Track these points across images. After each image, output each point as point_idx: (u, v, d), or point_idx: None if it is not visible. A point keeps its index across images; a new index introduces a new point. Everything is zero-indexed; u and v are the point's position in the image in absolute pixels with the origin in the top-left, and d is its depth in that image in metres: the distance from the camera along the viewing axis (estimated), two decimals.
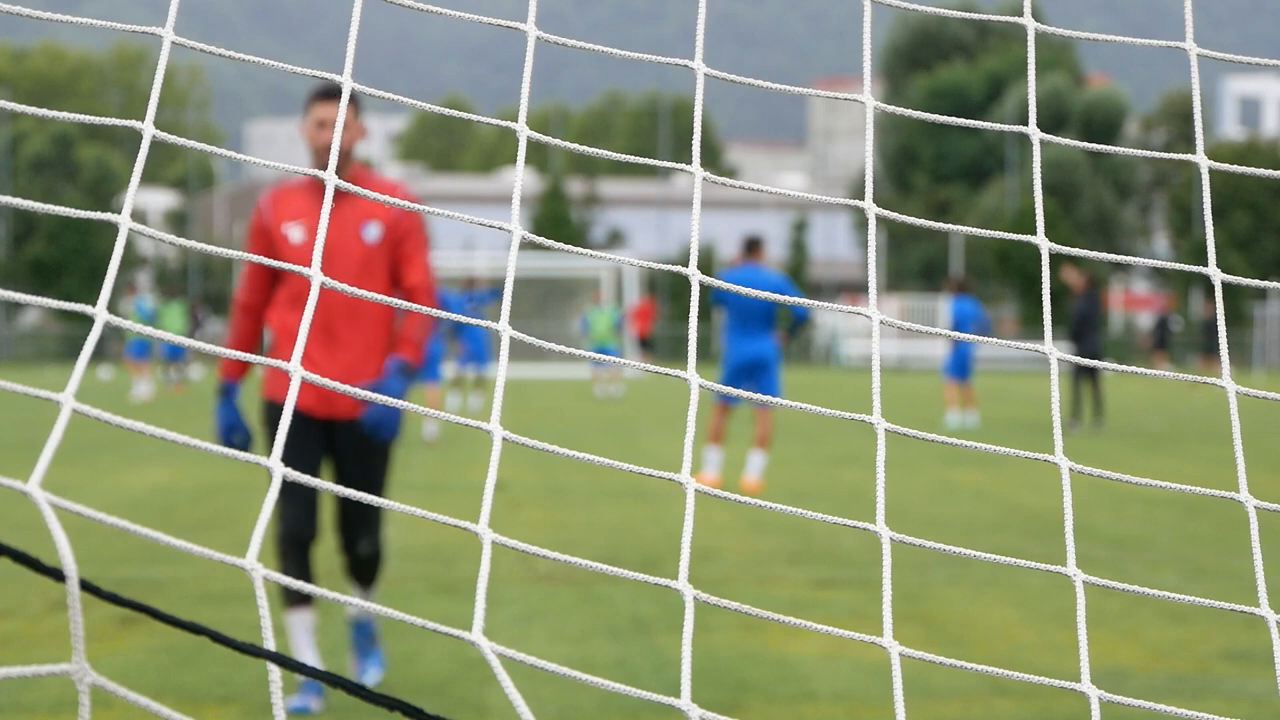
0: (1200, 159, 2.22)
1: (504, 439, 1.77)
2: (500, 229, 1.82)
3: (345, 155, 6.90)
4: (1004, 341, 1.98)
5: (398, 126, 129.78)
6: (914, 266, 79.80)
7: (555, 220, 70.82)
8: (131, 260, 70.85)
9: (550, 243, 1.89)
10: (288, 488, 6.85)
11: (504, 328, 1.83)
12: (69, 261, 67.22)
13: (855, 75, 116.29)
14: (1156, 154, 2.13)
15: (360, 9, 1.93)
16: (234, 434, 6.98)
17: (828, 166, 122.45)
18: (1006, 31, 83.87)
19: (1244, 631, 8.73)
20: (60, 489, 14.62)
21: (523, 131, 1.94)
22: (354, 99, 6.60)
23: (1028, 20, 2.24)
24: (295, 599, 6.91)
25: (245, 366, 7.13)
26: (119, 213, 2.12)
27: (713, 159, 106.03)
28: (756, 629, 8.62)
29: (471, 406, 29.01)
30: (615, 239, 79.42)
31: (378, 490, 7.02)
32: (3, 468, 16.91)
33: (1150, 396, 39.92)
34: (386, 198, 1.85)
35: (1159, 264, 2.06)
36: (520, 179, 1.98)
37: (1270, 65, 2.32)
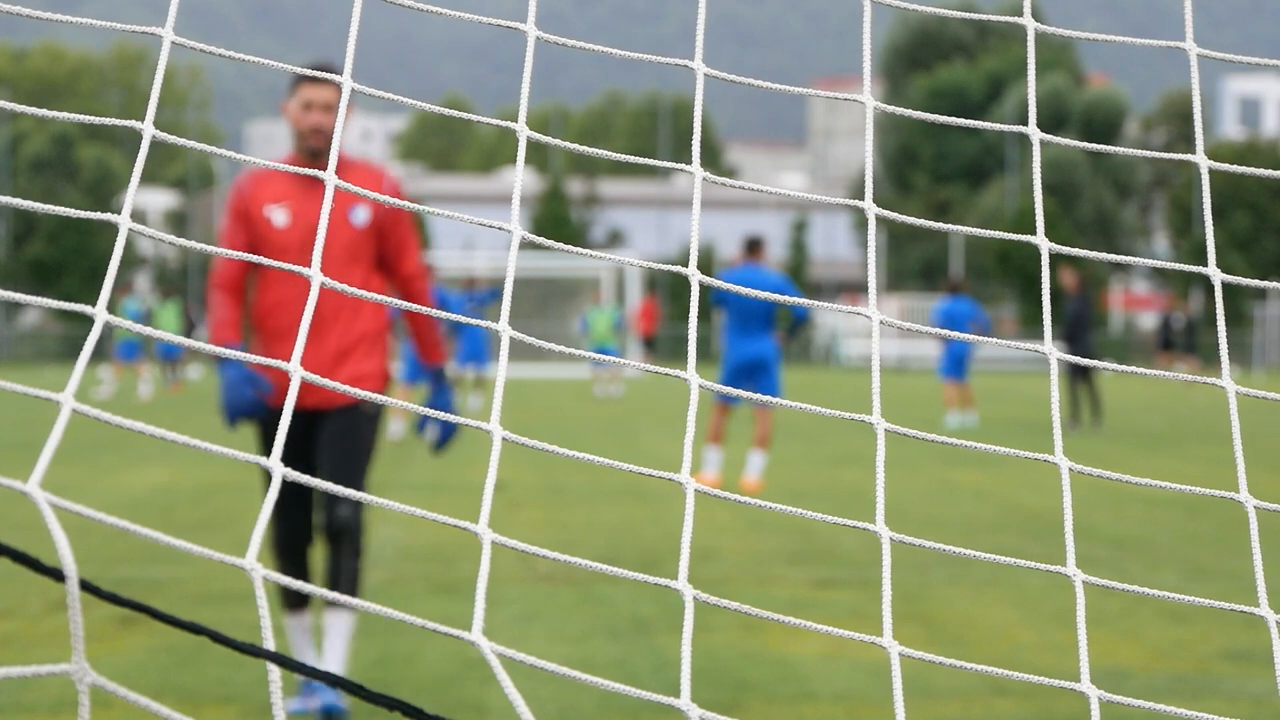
0: (1200, 159, 2.22)
1: (504, 439, 1.77)
2: (500, 229, 1.82)
3: (329, 139, 6.66)
4: (1003, 341, 1.98)
5: (398, 126, 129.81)
6: (914, 266, 79.80)
7: (555, 220, 70.82)
8: (131, 260, 70.84)
9: (550, 243, 1.89)
10: (282, 493, 6.71)
11: (504, 328, 1.83)
12: (69, 261, 67.22)
13: (855, 75, 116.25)
14: (1156, 154, 2.13)
15: (360, 9, 1.93)
16: (254, 385, 6.54)
17: (828, 166, 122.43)
18: (1006, 31, 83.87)
19: (1244, 631, 8.73)
20: (60, 489, 14.62)
21: (523, 131, 1.94)
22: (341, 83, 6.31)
23: (1028, 20, 2.24)
24: (293, 601, 6.82)
25: (240, 333, 6.82)
26: (119, 213, 2.13)
27: (713, 159, 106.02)
28: (756, 629, 8.62)
29: (471, 406, 29.00)
30: (615, 239, 79.41)
31: (362, 461, 6.73)
32: (3, 468, 16.90)
33: (1150, 396, 39.91)
34: (387, 197, 1.85)
35: (1159, 264, 2.06)
36: (520, 179, 1.98)
37: (1270, 65, 2.32)
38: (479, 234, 74.58)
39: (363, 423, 6.75)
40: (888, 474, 15.42)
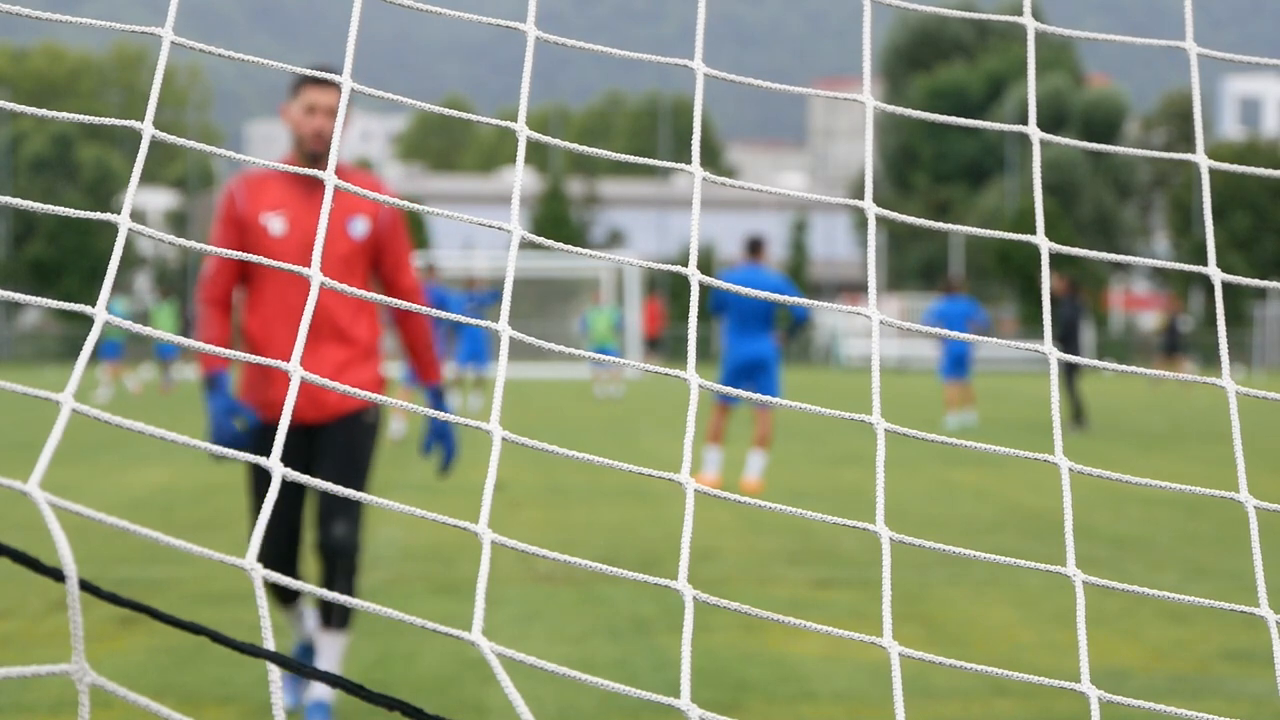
0: (1200, 159, 2.22)
1: (504, 439, 1.76)
2: (500, 229, 1.82)
3: (330, 144, 6.64)
4: (1002, 341, 1.98)
5: (398, 126, 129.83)
6: (914, 266, 79.80)
7: (555, 220, 70.83)
8: (131, 260, 70.87)
9: (550, 243, 1.88)
10: (264, 504, 6.56)
11: (504, 328, 1.83)
12: (69, 261, 67.23)
13: (855, 75, 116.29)
14: (1156, 154, 2.13)
15: (360, 9, 1.93)
16: (236, 416, 6.45)
17: (828, 166, 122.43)
18: (1006, 31, 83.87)
19: (1244, 631, 8.73)
20: (60, 489, 14.62)
21: (523, 131, 1.94)
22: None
23: (1028, 20, 2.24)
24: (284, 598, 6.74)
25: (228, 358, 6.76)
26: (119, 213, 2.13)
27: (713, 159, 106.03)
28: (756, 629, 8.62)
29: (471, 406, 29.00)
30: (615, 239, 79.43)
31: (360, 480, 6.56)
32: (3, 468, 16.91)
33: (1151, 396, 39.91)
34: (386, 197, 1.85)
35: (1159, 264, 2.06)
36: (520, 179, 1.98)
37: (1270, 65, 2.32)
38: (479, 234, 74.58)
39: (360, 439, 6.56)
40: (888, 474, 15.44)
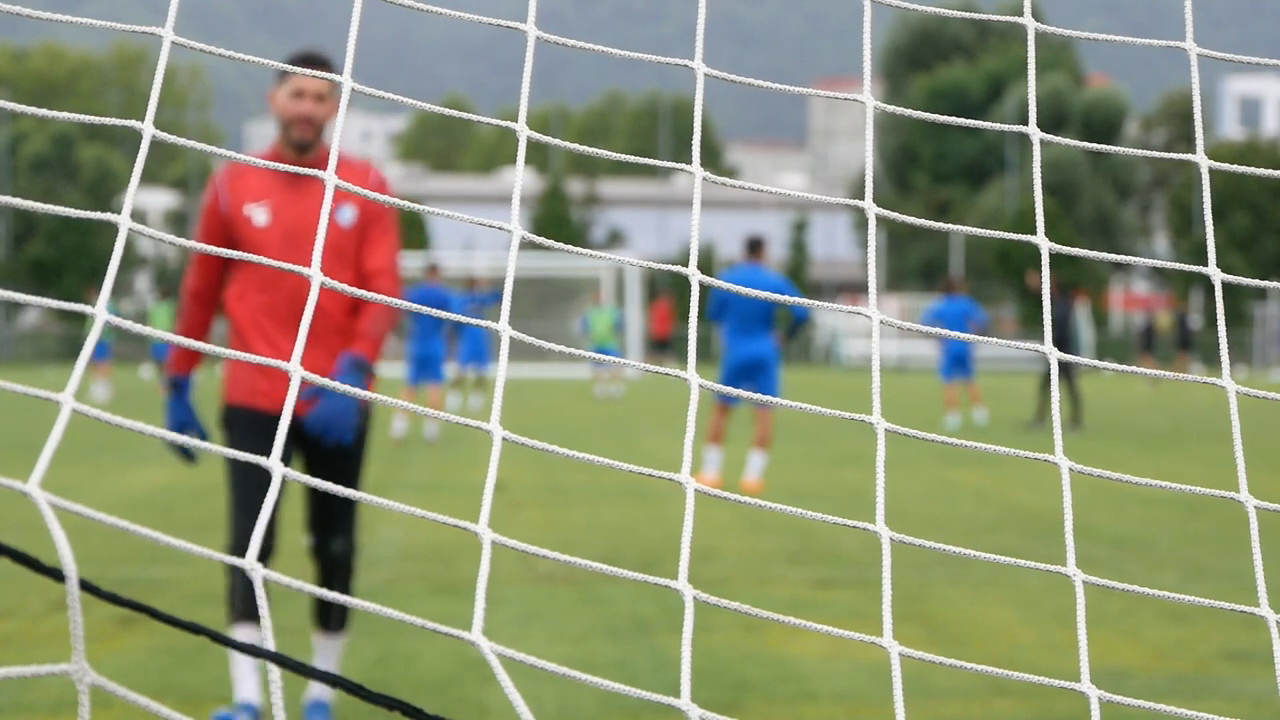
0: (1200, 159, 2.22)
1: (504, 439, 1.77)
2: (500, 229, 1.82)
3: (318, 131, 6.28)
4: (1001, 341, 1.98)
5: (398, 126, 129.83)
6: (914, 266, 79.81)
7: (555, 220, 70.85)
8: (131, 260, 70.90)
9: (550, 243, 1.89)
10: (245, 499, 6.23)
11: (504, 328, 1.83)
12: (69, 261, 67.25)
13: (855, 75, 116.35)
14: (1156, 154, 2.13)
15: (360, 9, 1.93)
16: (187, 431, 6.28)
17: (828, 166, 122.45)
18: (1006, 31, 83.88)
19: (1244, 631, 8.73)
20: (60, 489, 14.62)
21: (523, 131, 1.94)
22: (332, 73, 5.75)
23: (1028, 20, 2.24)
24: (241, 614, 6.30)
25: (196, 359, 6.42)
26: (119, 213, 2.13)
27: (713, 159, 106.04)
28: (756, 629, 8.62)
29: (472, 406, 29.01)
30: (615, 239, 79.44)
31: (351, 486, 6.35)
32: (3, 468, 16.91)
33: (1151, 396, 39.92)
34: (385, 196, 1.85)
35: (1159, 264, 2.06)
36: (520, 179, 1.98)
37: (1270, 65, 2.32)
38: (479, 234, 74.60)
39: (350, 455, 6.36)
40: (888, 474, 15.44)
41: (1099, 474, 2.01)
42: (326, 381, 1.70)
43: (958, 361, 27.19)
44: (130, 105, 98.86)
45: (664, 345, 51.06)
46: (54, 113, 1.69)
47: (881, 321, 2.00)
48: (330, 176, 1.83)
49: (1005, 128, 2.09)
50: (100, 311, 1.58)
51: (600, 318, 37.95)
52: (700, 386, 1.87)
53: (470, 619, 8.21)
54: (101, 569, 10.31)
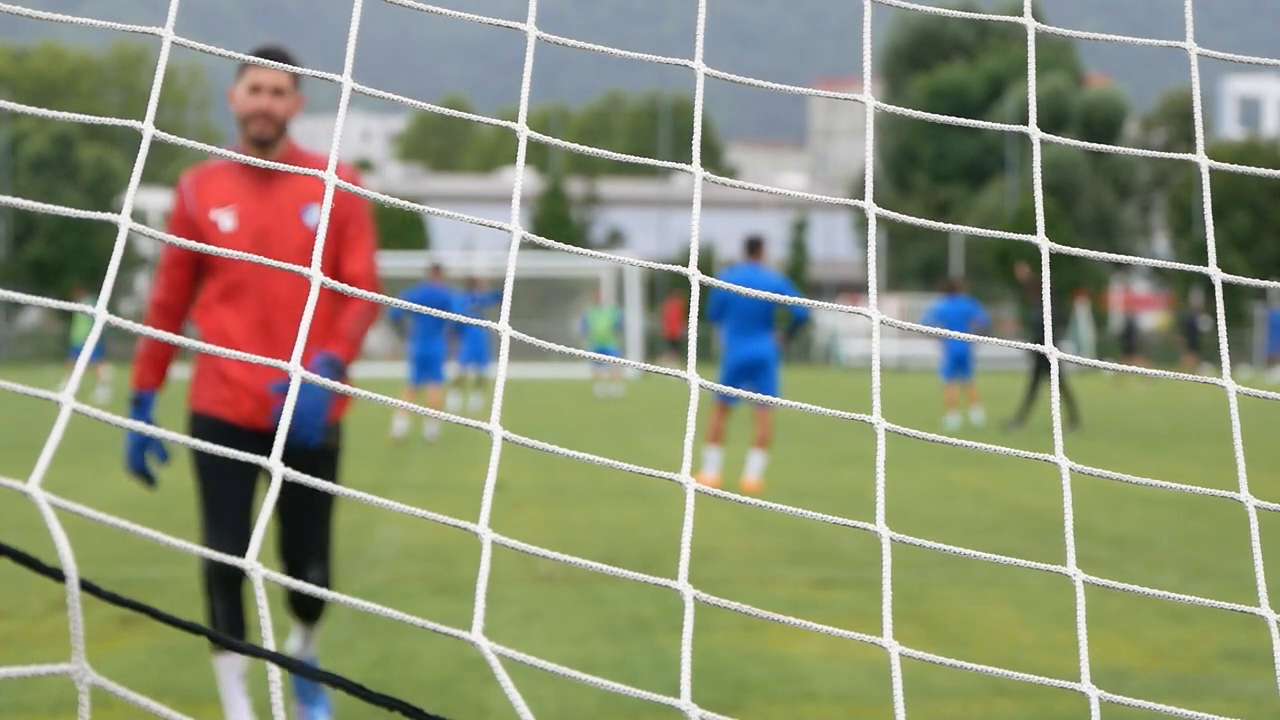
0: (1200, 159, 2.22)
1: (504, 439, 1.76)
2: (500, 229, 1.82)
3: (279, 128, 6.01)
4: (1002, 341, 1.98)
5: (398, 126, 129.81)
6: (914, 266, 79.81)
7: (555, 220, 70.85)
8: (132, 260, 70.90)
9: (550, 243, 1.88)
10: (216, 514, 6.02)
11: (504, 328, 1.83)
12: (69, 261, 67.23)
13: (855, 75, 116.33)
14: (1156, 154, 2.13)
15: (360, 9, 1.93)
16: (147, 452, 6.05)
17: (828, 166, 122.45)
18: (1006, 31, 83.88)
19: (1244, 631, 8.73)
20: (60, 489, 14.62)
21: (523, 131, 1.94)
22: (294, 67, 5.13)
23: (1028, 20, 2.24)
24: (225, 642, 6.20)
25: (162, 375, 6.10)
26: (119, 213, 2.13)
27: (713, 159, 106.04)
28: (756, 629, 8.62)
29: (472, 406, 29.01)
30: (615, 239, 79.45)
31: (325, 508, 6.13)
32: (3, 468, 16.91)
33: (1151, 396, 39.93)
34: (386, 197, 1.84)
35: (1159, 264, 2.06)
36: (520, 179, 1.98)
37: (1270, 65, 2.32)
38: (479, 234, 74.61)
39: (322, 462, 6.09)
40: (888, 474, 15.44)
41: (1099, 474, 2.01)
42: (323, 382, 1.70)
43: (958, 362, 27.21)
44: (130, 105, 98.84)
45: (677, 345, 51.18)
46: (54, 113, 1.69)
47: (881, 321, 2.00)
48: (330, 176, 1.83)
49: (1005, 128, 2.09)
50: (100, 311, 1.58)
51: (600, 318, 37.95)
52: (700, 386, 1.87)
53: (470, 619, 8.21)
54: (101, 569, 10.31)
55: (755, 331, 16.09)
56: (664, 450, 20.82)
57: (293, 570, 6.16)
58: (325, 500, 6.13)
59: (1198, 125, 2.22)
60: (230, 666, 6.09)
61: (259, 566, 1.55)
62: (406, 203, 1.83)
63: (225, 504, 6.04)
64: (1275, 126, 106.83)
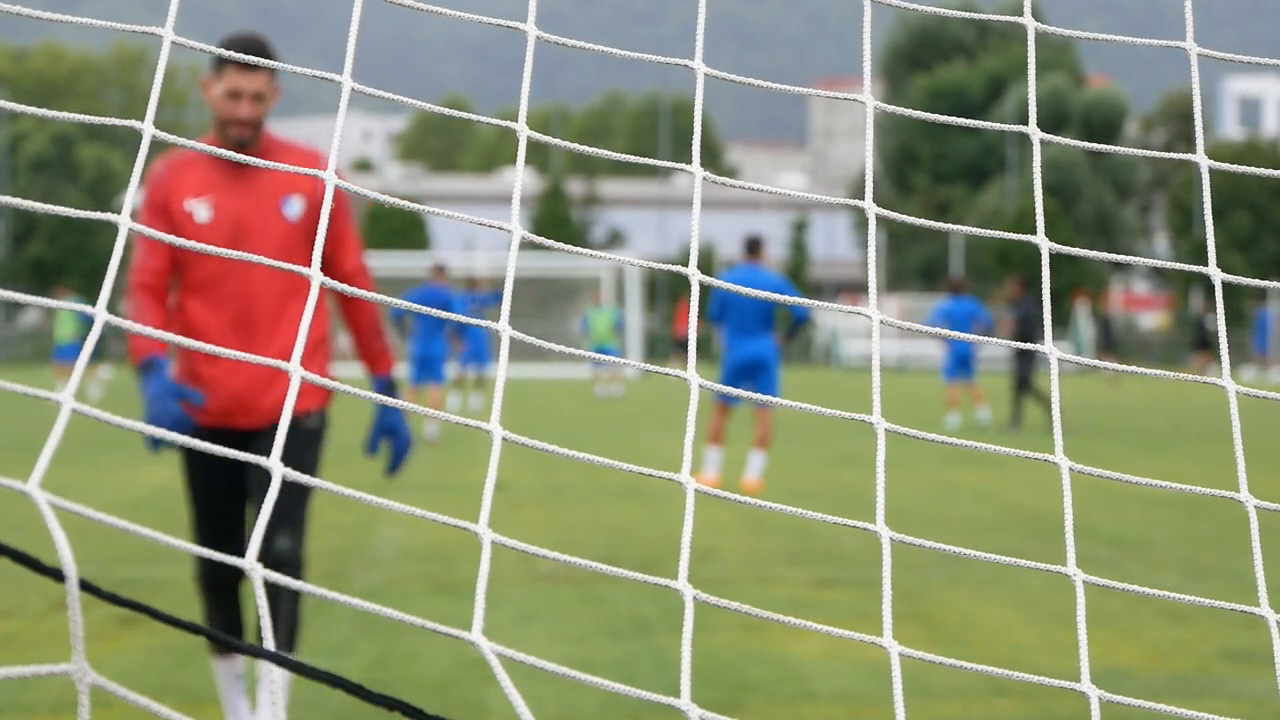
0: (1200, 159, 2.22)
1: (504, 439, 1.76)
2: (500, 229, 1.82)
3: (257, 125, 5.79)
4: (1002, 341, 1.98)
5: (398, 126, 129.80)
6: (914, 266, 79.82)
7: (555, 220, 70.85)
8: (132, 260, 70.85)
9: (550, 243, 1.88)
10: (206, 520, 5.90)
11: (504, 328, 1.83)
12: (69, 261, 67.22)
13: (855, 75, 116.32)
14: (1156, 154, 2.13)
15: (360, 9, 1.93)
16: (178, 399, 5.71)
17: (828, 166, 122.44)
18: (1006, 31, 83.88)
19: (1244, 631, 8.73)
20: (60, 489, 14.61)
21: (523, 131, 1.94)
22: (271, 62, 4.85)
23: (1028, 20, 2.24)
24: (218, 647, 5.98)
25: (166, 343, 5.90)
26: (119, 213, 2.13)
27: (713, 159, 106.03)
28: (756, 629, 8.62)
29: (472, 406, 29.01)
30: (615, 239, 79.46)
31: (301, 491, 5.87)
32: (3, 468, 16.90)
33: (1151, 396, 39.92)
34: (380, 198, 1.84)
35: (1159, 264, 2.06)
36: (520, 179, 1.98)
37: (1270, 65, 2.32)
38: (479, 234, 74.60)
39: (302, 443, 5.88)
40: (888, 474, 15.42)
41: (1099, 474, 2.01)
42: (324, 380, 1.69)
43: (961, 362, 27.22)
44: (130, 105, 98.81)
45: (685, 345, 51.25)
46: (54, 113, 1.69)
47: (881, 321, 2.00)
48: (330, 176, 1.83)
49: (1005, 128, 2.09)
50: (100, 311, 1.58)
51: (600, 318, 37.95)
52: (700, 386, 1.87)
53: (470, 619, 8.20)
54: (101, 569, 10.31)
55: (755, 332, 16.09)
56: (664, 450, 20.81)
57: (264, 538, 5.78)
58: (305, 473, 5.79)
59: (1198, 125, 2.22)
60: (228, 668, 6.03)
61: (259, 566, 1.55)
62: (406, 203, 1.83)
63: (210, 515, 5.92)
64: (1275, 126, 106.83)
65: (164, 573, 10.30)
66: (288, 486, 5.71)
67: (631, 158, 1.95)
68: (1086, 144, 2.12)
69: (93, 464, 17.92)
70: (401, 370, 26.32)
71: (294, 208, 5.83)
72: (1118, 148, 2.15)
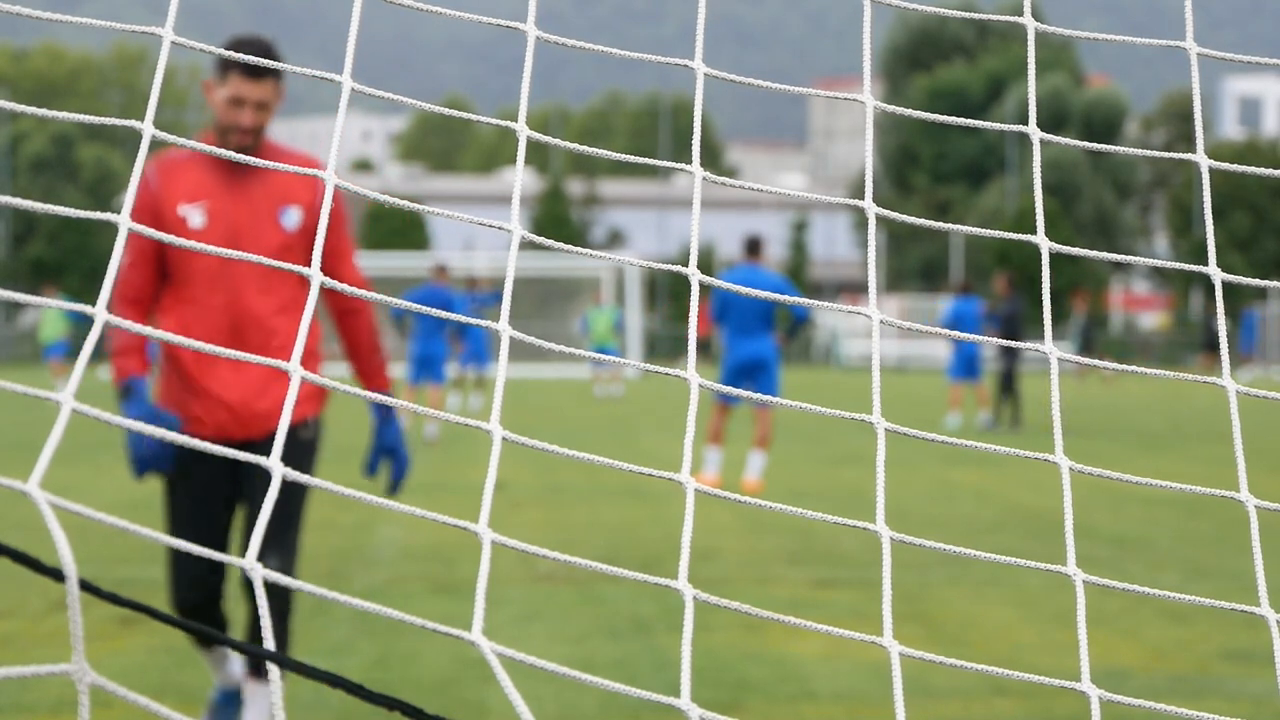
0: (1200, 159, 2.22)
1: (504, 439, 1.76)
2: (500, 229, 1.82)
3: (258, 132, 5.62)
4: (1000, 341, 1.98)
5: (398, 126, 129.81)
6: (914, 266, 79.81)
7: (555, 220, 70.86)
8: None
9: (550, 243, 1.88)
10: (185, 536, 5.64)
11: (504, 328, 1.83)
12: (69, 261, 67.23)
13: (855, 75, 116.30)
14: (1156, 154, 2.13)
15: (360, 9, 1.93)
16: (161, 421, 5.54)
17: (828, 166, 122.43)
18: (1006, 31, 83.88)
19: (1244, 631, 8.73)
20: (60, 489, 14.61)
21: (523, 131, 1.94)
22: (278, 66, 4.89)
23: (1028, 20, 2.24)
24: (200, 643, 5.88)
25: (145, 363, 5.60)
26: (119, 213, 2.13)
27: (713, 159, 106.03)
28: (756, 629, 8.62)
29: (472, 406, 29.01)
30: (615, 239, 79.47)
31: (295, 510, 5.70)
32: (3, 468, 16.90)
33: (1150, 396, 39.92)
34: (378, 196, 1.84)
35: (1159, 264, 2.06)
36: (520, 179, 1.98)
37: (1270, 65, 2.32)
38: (479, 234, 74.60)
39: (299, 455, 5.74)
40: (888, 474, 15.43)
41: (1099, 474, 2.01)
42: (324, 382, 1.69)
43: (968, 363, 27.21)
44: (130, 105, 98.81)
45: (699, 345, 51.11)
46: (54, 113, 1.69)
47: (881, 321, 2.00)
48: (330, 176, 1.82)
49: (1005, 128, 2.09)
50: (100, 311, 1.58)
51: (600, 318, 37.95)
52: (700, 386, 1.87)
53: (470, 619, 8.20)
54: (101, 569, 10.31)
55: (755, 332, 16.08)
56: (664, 450, 20.81)
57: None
58: (297, 491, 5.66)
59: (1198, 125, 2.22)
60: (213, 656, 5.92)
61: (259, 566, 1.55)
62: (407, 203, 1.83)
63: (198, 519, 5.73)
64: (1275, 126, 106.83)
65: (163, 573, 10.29)
66: (280, 508, 5.57)
67: (631, 158, 1.95)
68: (1086, 144, 2.12)
69: (93, 464, 17.91)
70: (400, 370, 26.33)
71: (291, 218, 5.65)
72: (1118, 148, 2.15)
